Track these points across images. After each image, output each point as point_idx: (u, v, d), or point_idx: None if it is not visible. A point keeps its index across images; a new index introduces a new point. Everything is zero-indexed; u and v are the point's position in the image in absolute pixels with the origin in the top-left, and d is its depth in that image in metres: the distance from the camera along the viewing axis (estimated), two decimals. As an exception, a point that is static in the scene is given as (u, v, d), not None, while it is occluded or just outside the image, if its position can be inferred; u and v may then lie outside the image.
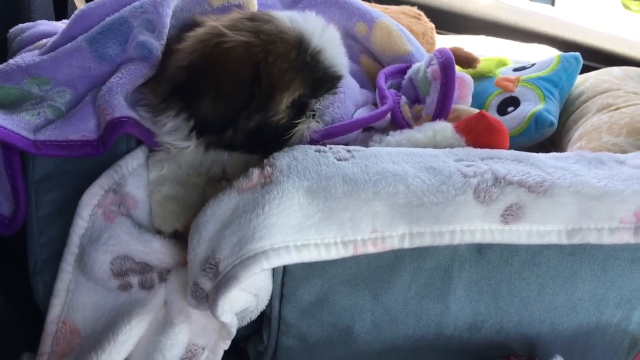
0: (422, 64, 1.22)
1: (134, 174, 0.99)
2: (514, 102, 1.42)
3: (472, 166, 0.94)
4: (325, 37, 0.97)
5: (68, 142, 0.96)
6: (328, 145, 0.99)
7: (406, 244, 0.89)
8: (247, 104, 0.94)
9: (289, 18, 0.97)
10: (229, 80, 0.92)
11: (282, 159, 0.93)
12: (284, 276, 0.96)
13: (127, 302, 0.96)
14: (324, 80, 0.99)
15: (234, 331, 0.95)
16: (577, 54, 1.47)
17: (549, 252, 0.97)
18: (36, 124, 0.98)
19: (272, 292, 0.97)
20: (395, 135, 1.07)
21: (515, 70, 1.52)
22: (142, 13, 1.05)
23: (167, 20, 1.07)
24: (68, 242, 0.96)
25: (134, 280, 0.96)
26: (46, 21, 1.25)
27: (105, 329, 0.95)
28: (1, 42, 1.21)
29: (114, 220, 0.95)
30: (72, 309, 0.97)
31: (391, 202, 0.88)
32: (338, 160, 0.93)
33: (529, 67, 1.51)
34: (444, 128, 1.05)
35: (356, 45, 1.36)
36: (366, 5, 1.35)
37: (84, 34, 1.05)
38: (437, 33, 1.66)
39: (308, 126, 1.01)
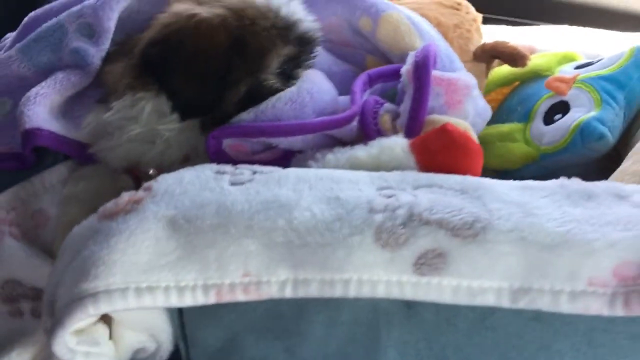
0: (411, 63, 1.00)
1: (51, 191, 0.92)
2: (563, 107, 1.13)
3: (392, 197, 0.72)
4: (293, 6, 0.98)
5: None
6: (238, 165, 0.83)
7: (288, 293, 0.71)
8: (224, 78, 0.91)
9: None
10: (203, 53, 0.89)
11: (168, 179, 0.79)
12: (182, 316, 0.82)
13: (18, 330, 0.88)
14: (304, 41, 0.98)
15: None
16: (659, 45, 1.13)
17: (503, 314, 0.71)
18: None
19: (174, 333, 0.84)
20: (337, 153, 0.88)
21: (579, 67, 1.21)
22: (80, 17, 0.99)
23: (111, 24, 1.00)
24: None
25: (26, 306, 0.88)
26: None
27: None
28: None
29: None
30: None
31: (266, 240, 0.70)
32: (232, 184, 0.77)
33: (594, 63, 1.19)
34: (392, 145, 0.83)
35: (364, 43, 1.18)
36: None
37: (23, 42, 1.01)
38: (507, 22, 1.40)
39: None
